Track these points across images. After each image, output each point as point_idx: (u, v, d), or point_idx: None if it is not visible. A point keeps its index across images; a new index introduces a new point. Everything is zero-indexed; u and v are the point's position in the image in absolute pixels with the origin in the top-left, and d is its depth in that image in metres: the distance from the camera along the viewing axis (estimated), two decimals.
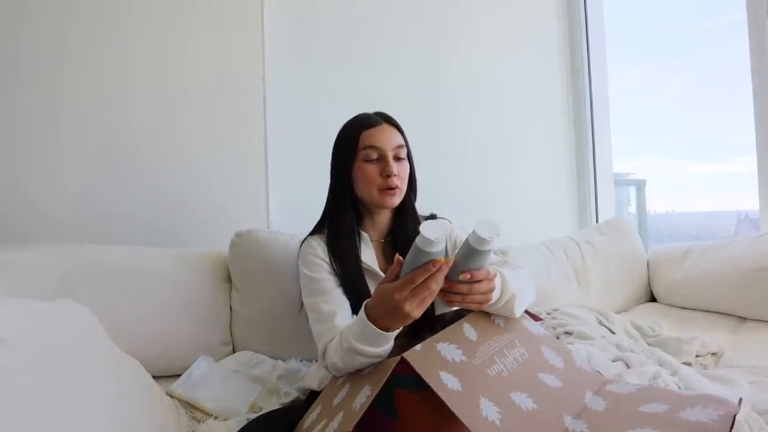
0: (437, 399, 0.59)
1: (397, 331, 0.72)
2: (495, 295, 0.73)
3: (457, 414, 0.57)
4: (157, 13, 1.50)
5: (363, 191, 0.94)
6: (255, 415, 0.87)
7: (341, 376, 0.79)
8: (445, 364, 0.65)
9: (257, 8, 1.60)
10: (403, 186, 0.94)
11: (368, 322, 0.70)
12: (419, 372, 0.61)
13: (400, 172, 0.93)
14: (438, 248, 0.63)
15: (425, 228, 0.63)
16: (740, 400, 0.63)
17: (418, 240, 0.64)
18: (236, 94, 1.58)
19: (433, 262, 0.64)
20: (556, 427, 0.64)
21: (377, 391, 0.63)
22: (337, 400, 0.71)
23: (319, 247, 0.94)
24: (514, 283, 0.77)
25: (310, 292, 0.90)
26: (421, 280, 0.64)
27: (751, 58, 1.61)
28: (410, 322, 0.68)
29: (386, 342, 0.71)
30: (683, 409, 0.62)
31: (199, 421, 0.94)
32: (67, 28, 1.41)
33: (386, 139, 0.92)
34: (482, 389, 0.63)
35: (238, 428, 0.77)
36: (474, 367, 0.66)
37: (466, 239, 0.67)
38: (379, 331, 0.69)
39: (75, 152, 1.42)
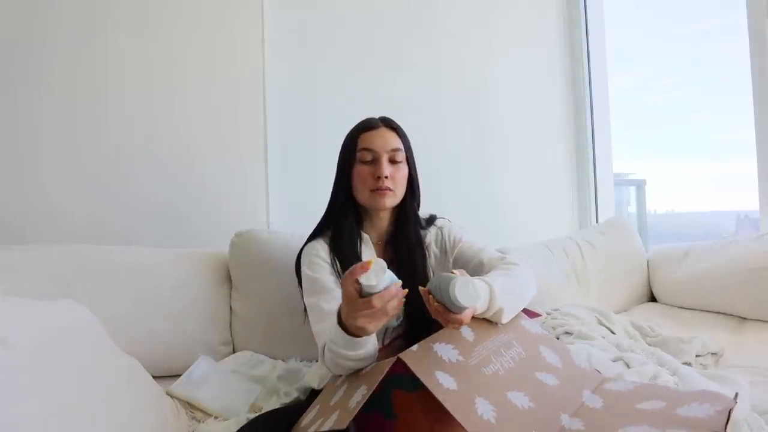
0: (434, 399, 0.59)
1: (370, 337, 0.72)
2: (479, 309, 0.74)
3: (452, 413, 0.57)
4: (158, 14, 1.50)
5: (358, 193, 0.96)
6: (255, 415, 0.87)
7: (340, 375, 0.79)
8: (441, 363, 0.65)
9: (257, 9, 1.60)
10: (398, 188, 0.95)
11: (339, 328, 0.72)
12: (415, 371, 0.61)
13: (394, 175, 0.93)
14: (379, 288, 0.65)
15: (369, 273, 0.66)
16: (736, 395, 0.63)
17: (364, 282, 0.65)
18: (237, 94, 1.58)
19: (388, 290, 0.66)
20: (553, 426, 0.64)
21: (373, 390, 0.63)
22: (334, 399, 0.71)
23: (321, 249, 0.95)
24: (504, 296, 0.77)
25: (311, 291, 0.90)
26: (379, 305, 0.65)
27: (751, 58, 1.61)
28: (371, 331, 0.70)
29: (360, 347, 0.72)
30: (680, 406, 0.62)
31: (199, 421, 0.94)
32: (70, 30, 1.42)
33: (381, 141, 0.94)
34: (478, 388, 0.63)
35: (238, 428, 0.77)
36: (470, 367, 0.67)
37: (448, 290, 0.66)
38: (349, 336, 0.71)
39: (77, 152, 1.42)
